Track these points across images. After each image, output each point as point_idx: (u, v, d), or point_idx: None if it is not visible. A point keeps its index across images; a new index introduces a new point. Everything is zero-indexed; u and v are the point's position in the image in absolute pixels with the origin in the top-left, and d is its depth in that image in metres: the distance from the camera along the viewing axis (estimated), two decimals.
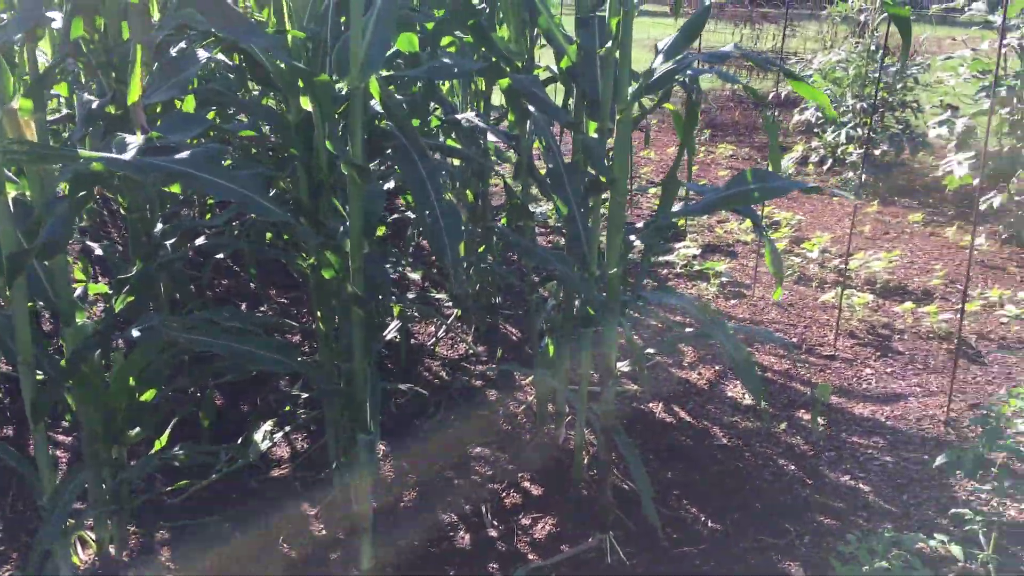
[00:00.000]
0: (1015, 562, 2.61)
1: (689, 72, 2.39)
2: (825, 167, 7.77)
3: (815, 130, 8.12)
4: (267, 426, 3.32)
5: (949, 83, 6.59)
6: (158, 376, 2.22)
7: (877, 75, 6.71)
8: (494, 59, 2.63)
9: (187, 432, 3.06)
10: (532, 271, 3.21)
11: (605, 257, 2.40)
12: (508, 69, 2.70)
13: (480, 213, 4.06)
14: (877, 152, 7.32)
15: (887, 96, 7.47)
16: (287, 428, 3.26)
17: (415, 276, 4.96)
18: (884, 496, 2.98)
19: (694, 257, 5.39)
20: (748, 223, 6.00)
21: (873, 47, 7.90)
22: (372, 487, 2.39)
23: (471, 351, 4.10)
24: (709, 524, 2.83)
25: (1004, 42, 5.75)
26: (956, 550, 2.01)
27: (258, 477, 3.08)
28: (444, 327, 4.21)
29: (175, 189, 1.81)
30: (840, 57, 8.16)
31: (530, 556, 2.68)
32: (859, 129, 7.46)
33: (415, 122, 3.04)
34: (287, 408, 3.36)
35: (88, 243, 3.40)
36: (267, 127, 2.40)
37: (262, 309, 4.49)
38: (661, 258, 5.57)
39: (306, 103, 2.35)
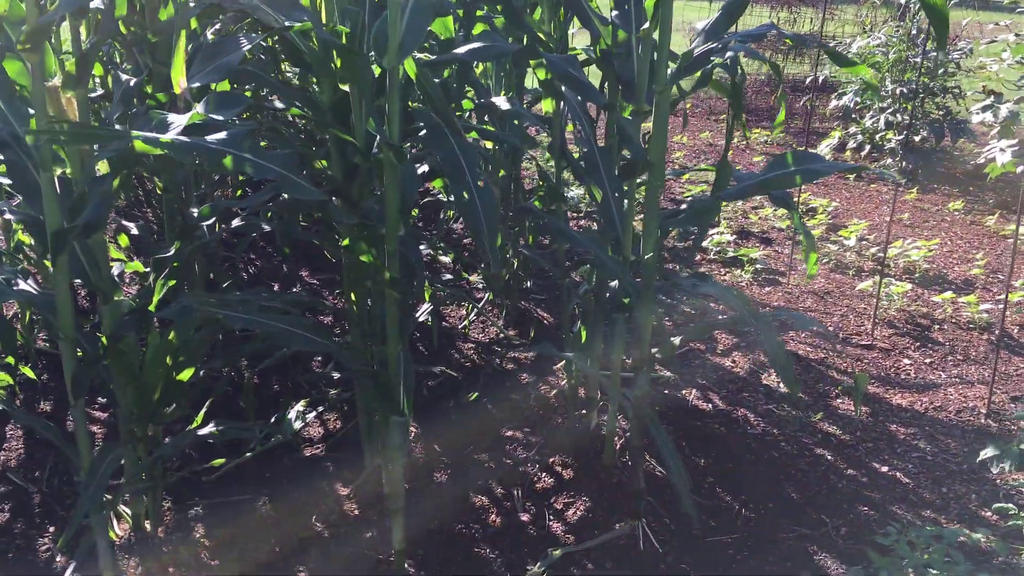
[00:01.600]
0: None
1: (730, 52, 2.34)
2: (863, 153, 7.63)
3: (853, 116, 7.98)
4: (300, 406, 3.34)
5: (992, 68, 6.43)
6: (194, 355, 2.23)
7: (918, 60, 6.57)
8: (528, 41, 2.59)
9: (222, 411, 3.08)
10: (565, 255, 3.18)
11: (641, 242, 2.37)
12: (543, 51, 2.67)
13: (513, 196, 4.04)
14: (917, 139, 7.18)
15: (927, 82, 7.32)
16: (320, 408, 3.28)
17: (446, 259, 4.96)
18: (923, 488, 2.93)
19: (728, 243, 5.32)
20: (783, 210, 5.92)
21: (914, 31, 7.73)
22: (404, 468, 2.39)
23: (502, 335, 4.09)
24: (743, 513, 2.80)
25: None
26: (999, 545, 1.97)
27: (292, 456, 3.10)
28: (476, 310, 4.20)
29: (223, 166, 1.79)
30: (879, 41, 7.99)
31: (562, 540, 2.67)
32: (898, 115, 7.32)
33: (467, 105, 3.04)
34: (320, 389, 3.38)
35: (124, 223, 3.42)
36: (301, 109, 2.39)
37: (294, 290, 4.51)
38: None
39: (341, 84, 2.34)
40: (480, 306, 4.23)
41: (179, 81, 1.79)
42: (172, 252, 2.29)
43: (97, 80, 4.10)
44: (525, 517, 2.78)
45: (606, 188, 2.59)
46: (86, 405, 3.22)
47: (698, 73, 2.46)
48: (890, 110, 7.38)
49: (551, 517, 2.78)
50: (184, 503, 2.82)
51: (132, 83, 2.76)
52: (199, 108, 1.92)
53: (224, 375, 2.96)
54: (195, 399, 2.56)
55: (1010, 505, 2.11)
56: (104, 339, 2.10)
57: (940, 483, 2.96)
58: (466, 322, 4.18)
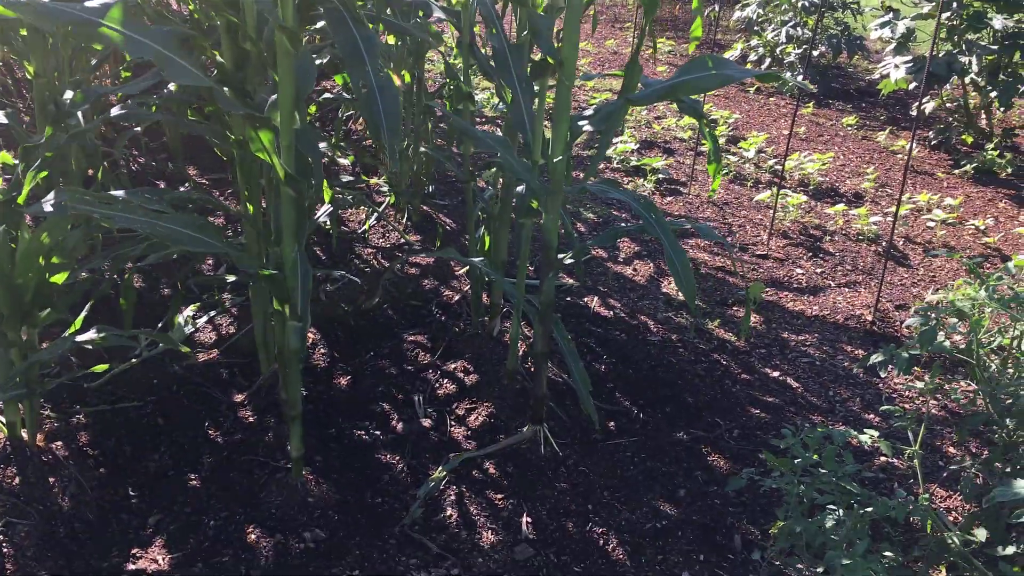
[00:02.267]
0: (937, 456, 2.71)
1: None
2: (763, 67, 7.69)
3: (755, 29, 8.01)
4: (189, 310, 3.19)
5: None
6: (69, 256, 2.06)
7: None
8: None
9: (105, 316, 2.90)
10: (470, 160, 3.08)
11: (550, 145, 2.29)
12: None
13: (416, 95, 3.88)
14: (815, 54, 7.27)
15: None
16: (212, 313, 3.13)
17: (346, 161, 4.78)
18: (812, 391, 3.05)
19: (631, 152, 5.31)
20: (687, 120, 5.94)
21: None
22: (301, 374, 2.31)
23: (404, 240, 3.99)
24: (641, 417, 2.85)
25: None
26: (884, 445, 2.05)
27: (182, 362, 2.97)
28: (376, 215, 4.08)
29: (95, 37, 1.62)
30: None
31: (464, 446, 2.66)
32: (799, 29, 7.37)
33: None
34: (212, 293, 3.23)
35: None
36: None
37: (183, 188, 4.27)
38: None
39: None
40: (381, 210, 4.11)
41: None
42: (43, 141, 2.08)
43: None
44: (427, 423, 2.75)
45: (516, 88, 2.49)
46: None
47: None
48: (791, 23, 7.43)
49: (453, 423, 2.76)
50: (66, 411, 2.67)
51: None
52: None
53: (107, 278, 2.77)
54: (73, 302, 2.39)
55: (896, 408, 2.19)
56: None
57: (828, 387, 3.08)
58: (366, 226, 4.06)
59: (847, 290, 3.83)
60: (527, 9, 2.33)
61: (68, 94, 2.57)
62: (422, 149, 3.80)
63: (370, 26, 2.14)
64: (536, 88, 2.54)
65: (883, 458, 2.63)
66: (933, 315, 2.12)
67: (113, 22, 1.62)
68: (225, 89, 2.14)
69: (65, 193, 1.82)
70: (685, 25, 10.00)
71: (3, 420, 2.43)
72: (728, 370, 3.14)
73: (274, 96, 2.01)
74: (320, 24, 2.44)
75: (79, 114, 2.55)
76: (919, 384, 2.44)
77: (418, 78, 3.91)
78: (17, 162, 2.27)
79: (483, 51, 2.84)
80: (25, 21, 2.15)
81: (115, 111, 2.41)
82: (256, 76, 2.25)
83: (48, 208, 1.84)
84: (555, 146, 2.30)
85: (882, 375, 2.91)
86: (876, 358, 2.21)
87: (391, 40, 3.85)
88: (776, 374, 3.14)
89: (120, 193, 1.99)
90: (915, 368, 2.85)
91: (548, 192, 2.32)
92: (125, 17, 1.63)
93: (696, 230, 2.40)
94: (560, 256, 2.47)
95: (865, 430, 2.08)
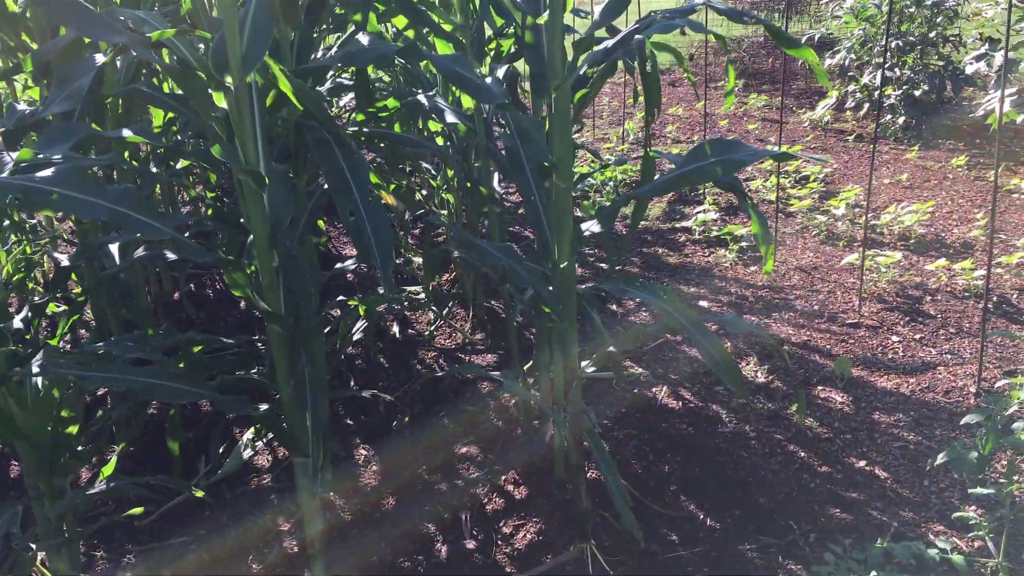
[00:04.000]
0: None
1: (637, 37, 2.12)
2: (862, 112, 7.32)
3: (850, 74, 7.64)
4: (250, 433, 3.19)
5: (987, 14, 6.08)
6: (75, 410, 2.09)
7: (913, 10, 6.25)
8: (427, 32, 2.39)
9: (156, 446, 2.94)
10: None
11: (556, 250, 2.17)
12: (451, 49, 2.47)
13: (466, 199, 3.84)
14: (917, 93, 6.84)
15: (926, 32, 6.97)
16: (269, 436, 3.13)
17: (418, 260, 4.78)
18: (903, 482, 2.71)
19: (713, 222, 5.09)
20: (773, 180, 5.67)
21: None
22: (319, 509, 2.23)
23: (467, 340, 3.91)
24: (707, 524, 2.60)
25: None
26: (958, 559, 1.76)
27: (234, 490, 2.96)
28: (438, 318, 4.03)
29: (45, 212, 1.64)
30: None
31: (508, 569, 2.49)
32: (896, 69, 6.98)
33: (376, 105, 2.83)
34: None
35: (55, 255, 3.29)
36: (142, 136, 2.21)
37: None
38: (678, 224, 5.29)
39: (220, 100, 2.16)
40: (445, 313, 4.06)
41: None
42: (46, 301, 2.13)
43: None
44: (471, 544, 2.61)
45: (532, 187, 2.39)
46: None
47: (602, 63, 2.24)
48: (887, 65, 7.04)
49: (499, 542, 2.61)
50: (117, 551, 2.69)
51: None
52: (35, 146, 1.76)
53: (144, 414, 2.81)
54: (99, 449, 2.42)
55: (971, 515, 1.88)
56: None
57: (921, 475, 2.74)
58: (430, 328, 4.01)
59: (949, 357, 3.44)
60: (511, 113, 2.23)
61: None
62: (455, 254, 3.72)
63: (363, 149, 2.10)
64: (549, 187, 2.44)
65: None
66: (1000, 401, 1.83)
67: (62, 187, 1.63)
68: (216, 226, 2.14)
69: (45, 357, 1.84)
70: (774, 78, 9.69)
71: (48, 568, 2.47)
72: (806, 463, 2.85)
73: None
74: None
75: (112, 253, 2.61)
76: (989, 490, 2.05)
77: (467, 171, 3.87)
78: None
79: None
80: None
81: (139, 252, 2.47)
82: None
83: (35, 370, 1.86)
84: (560, 250, 2.17)
85: (955, 475, 2.54)
86: (941, 459, 1.92)
87: (441, 141, 3.84)
88: (862, 464, 2.82)
89: (100, 346, 2.00)
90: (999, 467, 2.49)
91: (557, 299, 2.19)
92: (73, 181, 1.64)
93: (721, 324, 2.20)
94: (584, 363, 2.31)
95: (937, 542, 1.79)
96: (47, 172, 1.65)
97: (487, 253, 2.22)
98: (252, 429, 3.20)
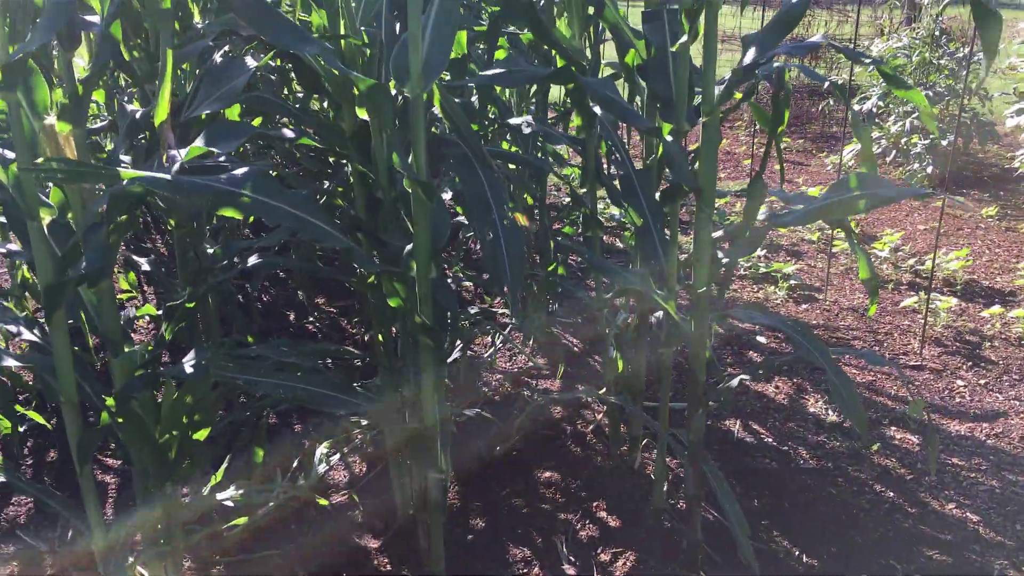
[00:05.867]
0: None
1: (776, 65, 2.16)
2: (888, 159, 7.43)
3: (876, 121, 7.76)
4: (323, 448, 3.15)
5: (1021, 69, 6.22)
6: (210, 413, 2.05)
7: (942, 62, 6.37)
8: (558, 59, 2.41)
9: (241, 456, 2.90)
10: (601, 283, 2.99)
11: (693, 275, 2.17)
12: (575, 71, 2.48)
13: (539, 221, 3.85)
14: (944, 143, 6.96)
15: (953, 84, 7.11)
16: (345, 450, 3.09)
17: (468, 283, 4.77)
18: (994, 526, 2.72)
19: (758, 258, 5.12)
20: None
21: (937, 32, 7.55)
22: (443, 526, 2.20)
23: (532, 363, 3.90)
24: (804, 559, 2.59)
25: None
26: None
27: (317, 506, 2.91)
28: (501, 338, 4.01)
29: (228, 213, 1.62)
30: (902, 44, 7.80)
31: None
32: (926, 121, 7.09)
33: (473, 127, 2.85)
34: (343, 432, 3.19)
35: (134, 256, 3.24)
36: (313, 139, 2.20)
37: (311, 320, 4.33)
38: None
39: (362, 112, 2.16)
40: (506, 333, 4.04)
41: (162, 116, 1.60)
42: (183, 301, 2.10)
43: (102, 105, 3.94)
44: (571, 571, 2.58)
45: (646, 215, 2.40)
46: (100, 450, 3.06)
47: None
48: (915, 114, 7.16)
49: (598, 571, 2.58)
50: (205, 563, 2.63)
51: (139, 114, 2.59)
52: (199, 141, 1.74)
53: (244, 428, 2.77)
54: (215, 455, 2.38)
55: None
56: (111, 400, 1.91)
57: (1013, 519, 2.75)
58: (492, 351, 3.99)
59: (1017, 403, 3.48)
60: (660, 137, 2.25)
61: (208, 246, 2.64)
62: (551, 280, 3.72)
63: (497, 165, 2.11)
64: (667, 212, 2.45)
65: None
66: None
67: (253, 191, 1.62)
68: (359, 238, 2.13)
69: (206, 353, 1.81)
70: (798, 120, 9.82)
71: (147, 574, 2.41)
72: (895, 503, 2.85)
73: (409, 245, 1.98)
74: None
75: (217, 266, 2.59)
76: None
77: (540, 200, 3.88)
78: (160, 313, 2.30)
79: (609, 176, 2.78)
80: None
81: (252, 260, 2.44)
82: (388, 222, 2.24)
83: (189, 370, 1.83)
84: (698, 277, 2.18)
85: None
86: None
87: (512, 166, 3.85)
88: (951, 507, 2.83)
89: (254, 349, 1.98)
90: None
91: (693, 324, 2.19)
92: (259, 184, 1.63)
93: (863, 358, 2.21)
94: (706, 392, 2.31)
95: None
96: (237, 172, 1.63)
97: (622, 277, 2.21)
98: (326, 443, 3.16)
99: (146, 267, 3.14)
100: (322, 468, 3.03)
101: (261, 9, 1.70)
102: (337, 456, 3.06)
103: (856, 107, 7.90)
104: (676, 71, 2.27)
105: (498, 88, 3.90)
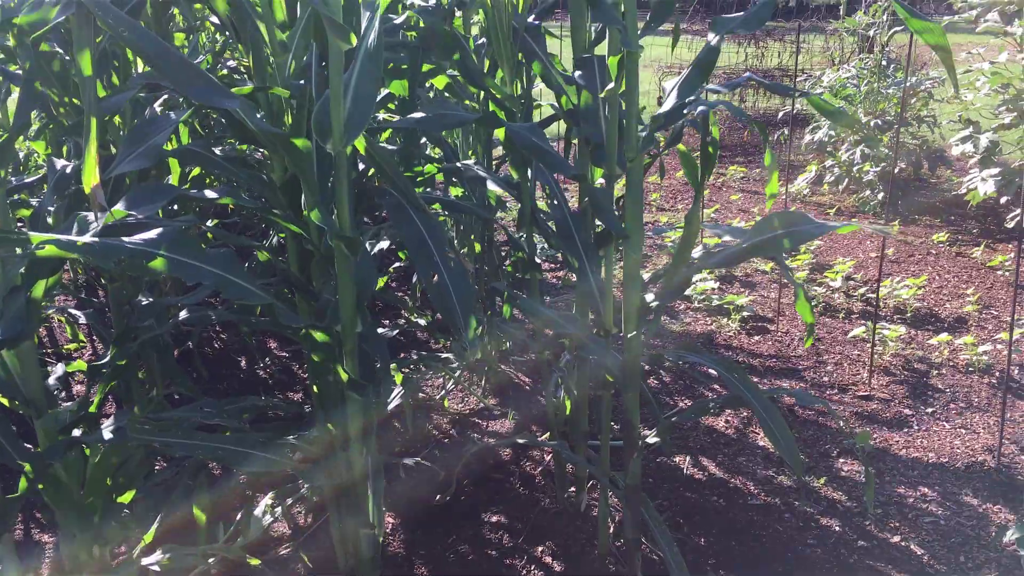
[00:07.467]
0: None
1: (700, 107, 2.18)
2: (840, 187, 7.54)
3: (828, 149, 7.89)
4: (268, 499, 3.10)
5: (967, 97, 6.36)
6: (135, 476, 2.01)
7: (890, 91, 6.51)
8: (490, 104, 2.42)
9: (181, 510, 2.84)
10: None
11: (623, 319, 2.18)
12: (504, 116, 2.50)
13: (486, 263, 3.85)
14: (895, 170, 7.08)
15: (900, 111, 7.25)
16: (289, 501, 3.04)
17: (422, 322, 4.75)
18: (940, 558, 2.73)
19: (712, 290, 5.16)
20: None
21: (884, 62, 7.71)
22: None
23: (482, 404, 3.88)
24: None
25: None
26: None
27: (260, 557, 2.85)
28: (452, 381, 3.99)
29: (151, 270, 1.60)
30: (850, 73, 7.96)
31: None
32: (874, 148, 7.23)
33: (414, 170, 2.85)
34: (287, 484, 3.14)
35: (71, 311, 3.20)
36: (239, 199, 2.19)
37: (263, 365, 4.29)
38: None
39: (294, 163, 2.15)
40: (457, 375, 4.02)
41: (90, 180, 1.59)
42: (110, 359, 2.07)
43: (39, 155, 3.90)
44: None
45: (582, 258, 2.41)
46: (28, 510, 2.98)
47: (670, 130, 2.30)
48: (865, 142, 7.30)
49: None
50: None
51: (68, 169, 2.57)
52: (120, 205, 1.73)
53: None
54: (145, 515, 2.33)
55: None
56: (28, 466, 1.87)
57: (957, 551, 2.76)
58: (443, 393, 3.97)
59: (964, 432, 3.51)
60: (585, 183, 2.26)
61: (142, 298, 2.60)
62: (496, 321, 3.72)
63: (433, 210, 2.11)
64: (603, 256, 2.46)
65: None
66: None
67: (170, 251, 1.61)
68: (291, 292, 2.11)
69: (125, 416, 1.78)
70: (756, 149, 9.96)
71: None
72: (842, 537, 2.86)
73: (334, 298, 1.97)
74: None
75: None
76: None
77: (488, 241, 3.89)
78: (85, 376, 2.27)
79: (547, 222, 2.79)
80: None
81: (183, 315, 2.41)
82: (322, 274, 2.22)
83: (108, 435, 1.80)
84: (627, 321, 2.18)
85: (1021, 552, 2.56)
86: (1012, 535, 1.95)
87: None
88: (897, 539, 2.84)
89: (177, 413, 1.95)
90: None
91: (624, 368, 2.19)
92: (176, 244, 1.61)
93: (794, 397, 2.22)
94: (644, 434, 2.31)
95: None
96: (151, 234, 1.62)
97: (555, 323, 2.21)
98: (271, 494, 3.11)
99: (83, 320, 3.09)
100: (267, 520, 2.99)
101: (178, 64, 1.70)
102: (279, 509, 3.01)
103: (809, 136, 8.03)
104: (607, 116, 2.29)
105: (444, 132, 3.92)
